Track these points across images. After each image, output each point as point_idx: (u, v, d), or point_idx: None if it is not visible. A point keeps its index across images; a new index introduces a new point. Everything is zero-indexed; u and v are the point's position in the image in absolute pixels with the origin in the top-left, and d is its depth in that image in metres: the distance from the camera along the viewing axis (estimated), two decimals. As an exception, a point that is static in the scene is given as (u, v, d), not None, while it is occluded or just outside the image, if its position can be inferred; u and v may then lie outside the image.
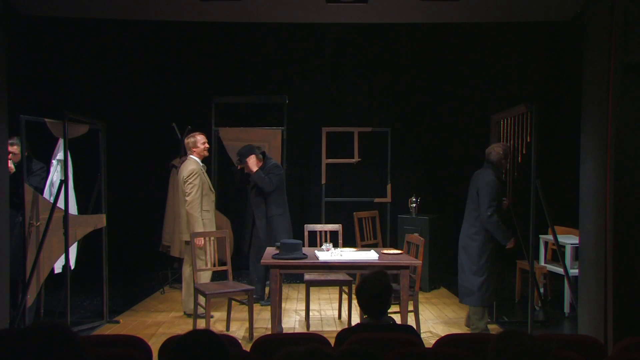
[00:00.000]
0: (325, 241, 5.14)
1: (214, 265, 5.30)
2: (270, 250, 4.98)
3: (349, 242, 6.10)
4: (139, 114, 7.42)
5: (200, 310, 5.18)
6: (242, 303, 5.66)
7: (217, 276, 5.96)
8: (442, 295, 6.63)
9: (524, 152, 5.17)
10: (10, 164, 4.83)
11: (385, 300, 2.93)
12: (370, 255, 4.68)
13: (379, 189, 7.54)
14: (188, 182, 5.44)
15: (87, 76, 7.41)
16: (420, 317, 5.02)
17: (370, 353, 1.96)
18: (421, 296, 6.17)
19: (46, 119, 5.09)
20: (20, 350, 1.62)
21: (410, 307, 4.72)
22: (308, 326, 5.32)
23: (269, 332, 4.87)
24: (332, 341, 2.80)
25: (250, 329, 4.92)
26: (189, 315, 5.48)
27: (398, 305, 4.47)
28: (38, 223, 4.86)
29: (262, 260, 4.68)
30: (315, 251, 4.85)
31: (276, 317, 4.60)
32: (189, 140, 5.66)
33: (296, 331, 5.16)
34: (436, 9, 6.05)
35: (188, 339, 1.81)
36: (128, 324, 5.36)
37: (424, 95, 7.80)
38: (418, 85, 7.81)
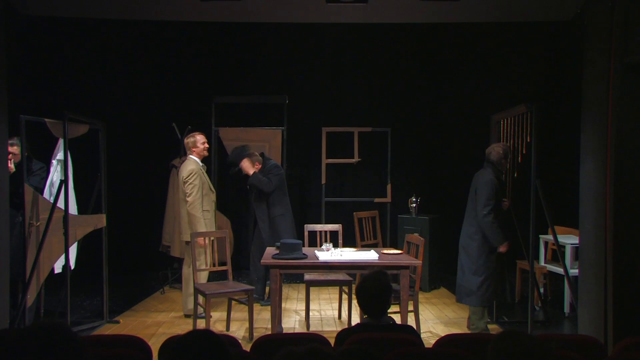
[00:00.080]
0: (325, 241, 5.14)
1: (214, 265, 5.30)
2: (271, 250, 4.98)
3: (349, 242, 6.10)
4: (139, 114, 7.42)
5: (200, 310, 5.18)
6: (241, 303, 5.65)
7: (217, 276, 5.96)
8: (442, 295, 6.63)
9: (524, 152, 5.17)
10: (11, 164, 4.83)
11: (385, 300, 2.94)
12: (370, 255, 4.68)
13: (379, 189, 7.54)
14: (188, 183, 5.44)
15: (87, 76, 7.41)
16: (420, 317, 5.02)
17: (370, 353, 1.96)
18: (421, 296, 6.17)
19: (46, 119, 5.09)
20: (20, 350, 1.62)
21: (410, 307, 4.72)
22: (308, 326, 5.32)
23: (269, 332, 4.87)
24: (332, 341, 2.80)
25: (250, 329, 4.92)
26: (187, 316, 5.47)
27: (398, 305, 4.47)
28: (38, 223, 4.86)
29: (262, 260, 4.68)
30: (315, 251, 4.85)
31: (276, 317, 4.60)
32: (188, 140, 5.66)
33: (296, 331, 5.16)
34: (436, 9, 6.05)
35: (188, 339, 1.81)
36: (128, 324, 5.36)
37: (424, 95, 7.80)
38: (418, 85, 7.81)
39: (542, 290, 5.93)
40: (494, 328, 5.11)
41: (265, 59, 7.68)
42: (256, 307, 5.69)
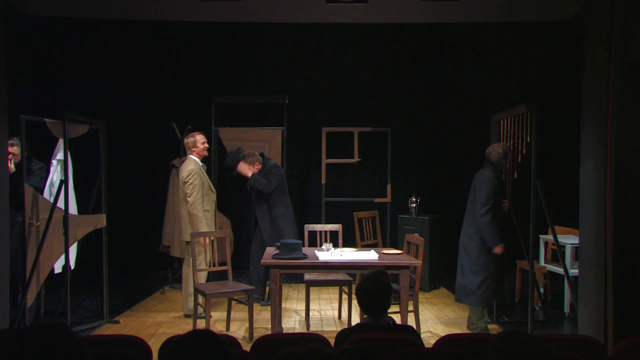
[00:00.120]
0: (325, 241, 5.14)
1: (214, 265, 5.30)
2: (271, 250, 4.98)
3: (349, 242, 6.10)
4: (139, 114, 7.42)
5: (200, 310, 5.18)
6: (241, 303, 5.65)
7: (217, 276, 5.97)
8: (442, 295, 6.63)
9: (524, 152, 5.17)
10: (11, 164, 4.83)
11: (385, 300, 2.94)
12: (370, 255, 4.68)
13: (379, 189, 7.54)
14: (188, 183, 5.44)
15: (87, 76, 7.41)
16: (420, 317, 5.02)
17: (370, 353, 1.96)
18: (421, 296, 6.17)
19: (46, 119, 5.09)
20: (20, 350, 1.62)
21: (410, 307, 4.72)
22: (308, 326, 5.32)
23: (269, 332, 4.87)
24: (332, 341, 2.80)
25: (250, 329, 4.92)
26: (187, 316, 5.47)
27: (398, 305, 4.47)
28: (38, 223, 4.86)
29: (262, 260, 4.69)
30: (315, 251, 4.85)
31: (276, 317, 4.60)
32: (188, 140, 5.66)
33: (296, 331, 5.16)
34: (436, 9, 6.04)
35: (188, 339, 1.81)
36: (128, 324, 5.36)
37: (424, 95, 7.80)
38: (418, 85, 7.81)
39: (542, 290, 5.93)
40: (494, 328, 5.11)
41: (265, 59, 7.68)
42: (256, 307, 5.69)
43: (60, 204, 4.95)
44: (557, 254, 5.30)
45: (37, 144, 5.68)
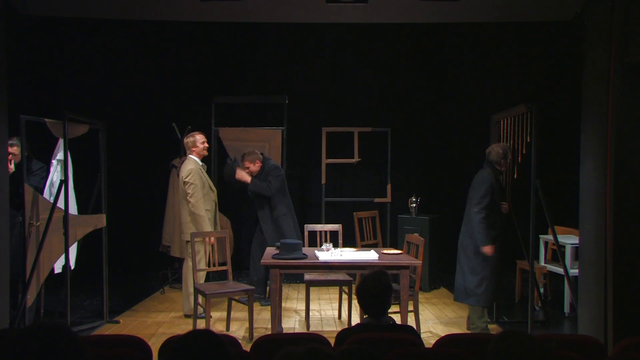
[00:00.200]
0: (325, 241, 5.14)
1: (214, 265, 5.30)
2: (271, 250, 4.98)
3: (349, 242, 6.10)
4: (139, 114, 7.42)
5: (200, 310, 5.18)
6: (241, 303, 5.65)
7: (217, 276, 5.97)
8: (442, 295, 6.63)
9: (524, 152, 5.16)
10: (11, 165, 4.83)
11: (385, 300, 2.94)
12: (370, 255, 4.68)
13: (379, 189, 7.54)
14: (188, 183, 5.44)
15: (87, 76, 7.41)
16: (420, 317, 5.02)
17: (370, 353, 1.96)
18: (421, 296, 6.17)
19: (46, 119, 5.09)
20: (20, 350, 1.62)
21: (410, 307, 4.72)
22: (308, 326, 5.32)
23: (269, 332, 4.87)
24: (332, 341, 2.80)
25: (250, 329, 4.92)
26: (187, 316, 5.47)
27: (398, 305, 4.47)
28: (38, 223, 4.86)
29: (262, 260, 4.69)
30: (315, 251, 4.85)
31: (276, 317, 4.60)
32: (188, 140, 5.66)
33: (296, 331, 5.16)
34: (436, 9, 6.05)
35: (188, 339, 1.81)
36: (128, 324, 5.36)
37: (424, 95, 7.80)
38: (418, 85, 7.81)
39: (542, 290, 5.93)
40: (494, 328, 5.11)
41: (265, 59, 7.68)
42: (256, 307, 5.69)
43: (60, 204, 4.95)
44: (557, 254, 5.30)
45: (37, 144, 5.68)
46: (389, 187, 7.32)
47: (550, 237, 5.40)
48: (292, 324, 5.46)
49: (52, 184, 5.28)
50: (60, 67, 7.42)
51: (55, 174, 5.29)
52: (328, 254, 4.70)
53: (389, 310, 3.02)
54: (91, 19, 6.92)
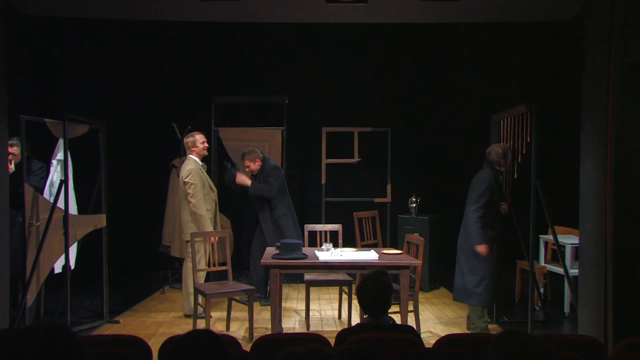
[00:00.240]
0: (325, 241, 5.14)
1: (214, 265, 5.30)
2: (270, 250, 4.98)
3: (349, 242, 6.10)
4: (139, 114, 7.42)
5: (200, 310, 5.18)
6: (241, 302, 5.65)
7: (217, 276, 5.97)
8: (442, 295, 6.63)
9: (524, 152, 5.16)
10: (11, 165, 4.83)
11: (385, 300, 2.94)
12: (370, 255, 4.68)
13: (379, 189, 7.54)
14: (188, 183, 5.43)
15: (87, 76, 7.41)
16: (420, 317, 5.02)
17: (370, 353, 1.96)
18: (421, 296, 6.17)
19: (46, 119, 5.09)
20: (20, 350, 1.62)
21: (410, 307, 4.71)
22: (308, 326, 5.32)
23: (269, 332, 4.87)
24: (332, 341, 2.80)
25: (250, 329, 4.92)
26: (187, 316, 5.47)
27: (398, 305, 4.47)
28: (38, 223, 4.86)
29: (262, 260, 4.69)
30: (315, 251, 4.85)
31: (276, 317, 4.60)
32: (188, 140, 5.66)
33: (296, 331, 5.16)
34: (436, 9, 6.05)
35: (188, 339, 1.81)
36: (128, 324, 5.36)
37: (424, 95, 7.80)
38: (418, 85, 7.81)
39: (542, 290, 5.93)
40: (493, 328, 5.10)
41: (265, 59, 7.68)
42: (256, 307, 5.69)
43: (60, 204, 4.95)
44: (557, 254, 5.30)
45: (37, 144, 5.68)
46: (389, 187, 7.32)
47: (550, 237, 5.40)
48: (292, 324, 5.46)
49: (52, 184, 5.28)
50: (60, 67, 7.42)
51: (55, 174, 5.29)
52: (328, 254, 4.70)
53: (389, 310, 3.02)
54: (91, 19, 6.92)
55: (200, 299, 5.11)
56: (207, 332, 1.88)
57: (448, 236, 6.50)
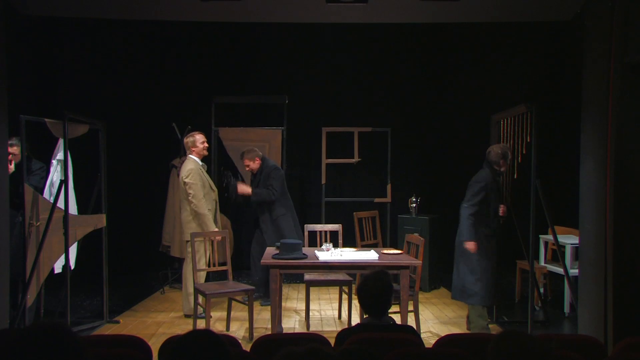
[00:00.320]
0: (325, 241, 5.14)
1: (214, 265, 5.30)
2: (270, 250, 4.98)
3: (349, 242, 6.10)
4: (139, 114, 7.41)
5: (200, 310, 5.18)
6: (241, 302, 5.65)
7: (217, 276, 5.96)
8: (442, 295, 6.63)
9: (524, 152, 5.16)
10: (11, 165, 4.83)
11: (386, 299, 2.94)
12: (370, 255, 4.68)
13: (379, 189, 7.54)
14: (188, 183, 5.43)
15: (87, 76, 7.41)
16: (420, 317, 5.02)
17: (370, 353, 1.96)
18: (421, 296, 6.17)
19: (46, 119, 5.09)
20: (20, 350, 1.62)
21: (410, 307, 4.71)
22: (308, 326, 5.32)
23: (269, 332, 4.87)
24: (332, 341, 2.80)
25: (250, 329, 4.92)
26: (187, 316, 5.47)
27: (398, 305, 4.47)
28: (38, 223, 4.86)
29: (262, 260, 4.69)
30: (315, 251, 4.85)
31: (276, 317, 4.60)
32: (188, 140, 5.66)
33: (296, 331, 5.16)
34: (436, 9, 6.05)
35: (188, 339, 1.81)
36: (128, 324, 5.36)
37: (424, 95, 7.80)
38: (418, 85, 7.81)
39: (542, 290, 5.93)
40: (493, 328, 5.10)
41: (265, 59, 7.68)
42: (256, 307, 5.69)
43: (60, 204, 4.95)
44: (557, 254, 5.30)
45: (37, 144, 5.68)
46: (389, 187, 7.32)
47: (550, 237, 5.40)
48: (292, 324, 5.46)
49: (52, 184, 5.28)
50: (60, 67, 7.42)
51: (55, 174, 5.29)
52: (328, 254, 4.70)
53: (389, 310, 3.02)
54: (91, 19, 6.92)
55: (200, 299, 5.11)
56: (207, 332, 1.88)
57: (448, 236, 6.48)
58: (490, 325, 5.09)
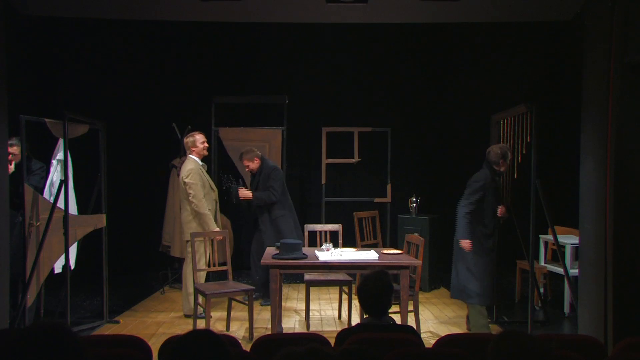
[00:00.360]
0: (325, 241, 5.14)
1: (214, 265, 5.30)
2: (270, 250, 4.98)
3: (349, 242, 6.09)
4: (139, 114, 7.42)
5: (200, 310, 5.18)
6: (241, 302, 5.65)
7: (217, 276, 5.96)
8: (442, 295, 6.63)
9: (524, 152, 5.16)
10: (11, 165, 4.83)
11: (386, 299, 2.94)
12: (370, 255, 4.68)
13: (379, 189, 7.54)
14: (189, 183, 5.43)
15: (87, 76, 7.41)
16: (420, 317, 5.02)
17: (370, 353, 1.96)
18: (421, 296, 6.17)
19: (46, 119, 5.09)
20: (20, 350, 1.62)
21: (410, 307, 4.71)
22: (308, 326, 5.32)
23: (269, 332, 4.87)
24: (332, 341, 2.80)
25: (250, 329, 4.92)
26: (187, 316, 5.47)
27: (398, 305, 4.47)
28: (38, 223, 4.86)
29: (262, 260, 4.68)
30: (315, 251, 4.85)
31: (276, 317, 4.60)
32: (188, 140, 5.66)
33: (296, 331, 5.16)
34: (436, 9, 6.05)
35: (188, 339, 1.81)
36: (128, 324, 5.36)
37: (424, 95, 7.80)
38: (418, 85, 7.81)
39: (542, 290, 5.93)
40: (493, 328, 5.10)
41: (265, 59, 7.68)
42: (256, 307, 5.69)
43: (60, 204, 4.95)
44: (557, 254, 5.30)
45: (37, 144, 5.68)
46: (389, 187, 7.32)
47: (550, 237, 5.40)
48: (292, 324, 5.46)
49: (52, 184, 5.28)
50: (60, 67, 7.42)
51: (55, 174, 5.29)
52: (328, 254, 4.70)
53: (389, 310, 3.02)
54: (91, 19, 6.92)
55: (200, 299, 5.11)
56: (207, 332, 1.88)
57: (448, 236, 6.47)
58: (490, 325, 5.08)
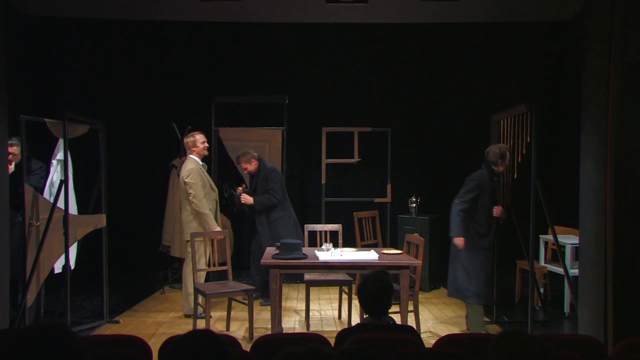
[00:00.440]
0: (325, 241, 5.14)
1: (214, 265, 5.30)
2: (270, 250, 4.98)
3: (349, 242, 6.09)
4: (139, 114, 7.41)
5: (200, 310, 5.18)
6: (241, 302, 5.65)
7: (217, 276, 5.96)
8: (442, 295, 6.63)
9: (524, 152, 5.16)
10: (11, 165, 4.83)
11: (386, 299, 2.94)
12: (370, 255, 4.68)
13: (379, 189, 7.54)
14: (190, 183, 5.43)
15: (87, 76, 7.41)
16: (420, 317, 5.02)
17: (370, 353, 1.96)
18: (421, 296, 6.17)
19: (46, 119, 5.09)
20: (20, 350, 1.62)
21: (410, 307, 4.71)
22: (308, 326, 5.32)
23: (269, 332, 4.87)
24: (332, 341, 2.80)
25: (250, 329, 4.92)
26: (187, 316, 5.47)
27: (398, 305, 4.47)
28: (38, 223, 4.86)
29: (262, 260, 4.68)
30: (315, 251, 4.85)
31: (276, 317, 4.60)
32: (188, 140, 5.66)
33: (296, 331, 5.16)
34: (436, 9, 6.05)
35: (188, 339, 1.81)
36: (128, 324, 5.36)
37: (424, 95, 7.80)
38: (418, 85, 7.81)
39: (542, 290, 5.93)
40: (494, 328, 5.10)
41: (265, 59, 7.68)
42: (256, 307, 5.69)
43: (60, 204, 4.95)
44: (557, 254, 5.30)
45: (37, 144, 5.68)
46: (389, 187, 7.32)
47: (550, 237, 5.40)
48: (292, 324, 5.46)
49: (52, 184, 5.28)
50: (60, 67, 7.42)
51: (55, 174, 5.29)
52: (328, 254, 4.69)
53: (389, 310, 3.02)
54: (91, 19, 6.92)
55: (200, 299, 5.11)
56: (207, 332, 1.88)
57: (448, 236, 6.49)
58: (490, 326, 5.09)
